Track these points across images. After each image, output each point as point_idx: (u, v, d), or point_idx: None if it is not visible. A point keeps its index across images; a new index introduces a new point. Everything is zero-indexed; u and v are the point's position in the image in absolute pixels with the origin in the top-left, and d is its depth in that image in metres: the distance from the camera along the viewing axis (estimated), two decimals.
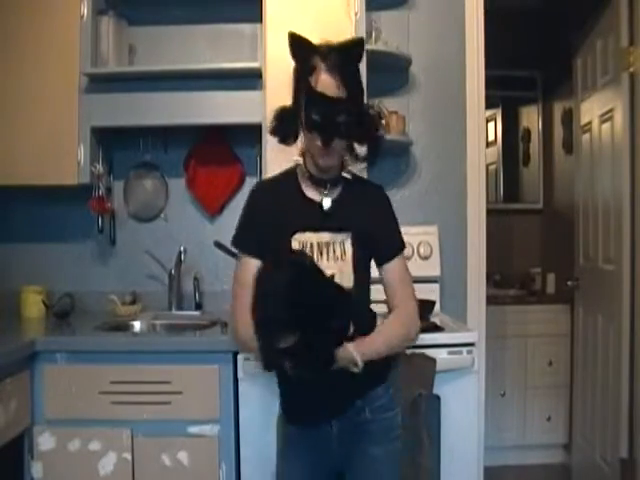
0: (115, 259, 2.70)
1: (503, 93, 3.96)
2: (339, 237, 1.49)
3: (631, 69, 2.60)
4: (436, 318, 2.32)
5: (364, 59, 1.56)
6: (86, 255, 2.69)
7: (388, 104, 2.55)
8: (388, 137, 2.51)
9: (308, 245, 1.47)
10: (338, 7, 2.31)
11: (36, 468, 2.02)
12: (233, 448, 2.02)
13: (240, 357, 1.96)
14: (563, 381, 3.39)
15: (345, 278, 1.46)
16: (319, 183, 1.52)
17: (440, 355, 1.99)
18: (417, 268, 2.50)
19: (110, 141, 2.59)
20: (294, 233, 1.47)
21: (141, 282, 2.65)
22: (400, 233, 1.60)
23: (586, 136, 3.11)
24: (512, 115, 4.11)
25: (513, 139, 4.11)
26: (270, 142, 2.31)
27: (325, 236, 1.48)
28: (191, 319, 2.50)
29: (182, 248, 2.58)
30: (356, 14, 2.31)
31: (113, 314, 2.50)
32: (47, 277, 2.61)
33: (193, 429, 2.01)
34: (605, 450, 2.76)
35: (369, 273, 1.56)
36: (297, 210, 1.52)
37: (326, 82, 1.42)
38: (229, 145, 2.66)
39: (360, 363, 1.38)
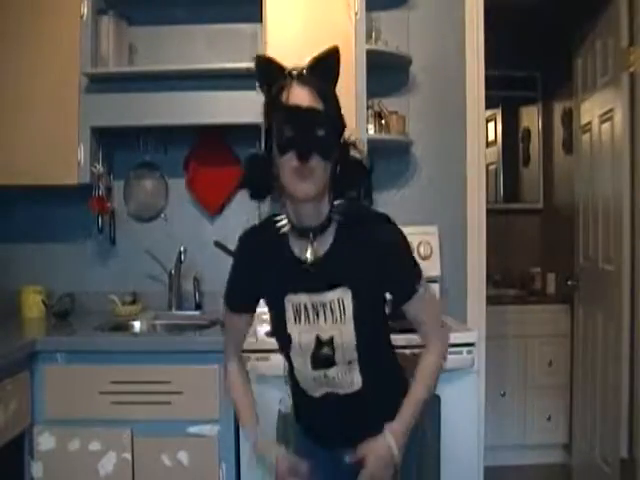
0: (115, 259, 2.70)
1: (503, 93, 3.95)
2: (335, 294, 1.30)
3: (631, 69, 2.59)
4: None
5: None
6: (86, 255, 2.69)
7: (388, 104, 2.56)
8: (388, 137, 2.52)
9: (302, 307, 1.31)
10: (338, 7, 2.32)
11: (36, 468, 2.02)
12: (233, 448, 2.02)
13: None
14: (563, 381, 3.39)
15: (346, 339, 1.31)
16: (304, 235, 1.30)
17: None
18: None
19: (110, 141, 2.58)
20: (285, 294, 1.33)
21: (141, 282, 2.65)
22: (414, 267, 1.36)
23: (586, 136, 3.11)
24: (512, 115, 4.10)
25: (513, 139, 4.11)
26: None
27: (320, 296, 1.30)
28: (191, 319, 2.50)
29: (182, 248, 2.58)
30: (356, 14, 2.31)
31: (113, 314, 2.51)
32: (47, 277, 2.61)
33: (193, 429, 2.02)
34: (605, 450, 2.76)
35: (380, 327, 1.41)
36: (285, 269, 1.33)
37: (299, 94, 1.21)
38: (229, 145, 2.66)
39: (396, 453, 1.28)
